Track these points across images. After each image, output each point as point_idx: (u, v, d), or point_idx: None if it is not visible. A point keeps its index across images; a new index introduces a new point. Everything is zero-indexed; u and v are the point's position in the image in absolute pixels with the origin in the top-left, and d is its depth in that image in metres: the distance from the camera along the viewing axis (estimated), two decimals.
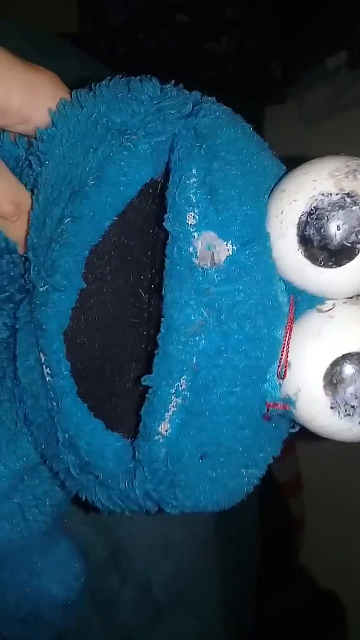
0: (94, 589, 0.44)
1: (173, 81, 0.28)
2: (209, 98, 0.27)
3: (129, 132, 0.25)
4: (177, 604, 0.51)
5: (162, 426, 0.24)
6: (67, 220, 0.25)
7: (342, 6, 1.13)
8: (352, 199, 0.22)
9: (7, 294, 0.30)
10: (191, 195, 0.23)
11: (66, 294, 0.26)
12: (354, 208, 0.22)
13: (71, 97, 0.27)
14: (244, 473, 0.25)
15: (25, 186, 0.28)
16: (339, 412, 0.22)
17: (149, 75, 0.27)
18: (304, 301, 0.25)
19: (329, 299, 0.24)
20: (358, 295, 0.24)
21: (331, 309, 0.24)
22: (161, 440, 0.24)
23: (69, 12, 1.16)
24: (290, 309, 0.25)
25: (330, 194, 0.22)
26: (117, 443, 0.26)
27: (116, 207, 0.26)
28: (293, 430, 0.26)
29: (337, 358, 0.22)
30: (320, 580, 1.20)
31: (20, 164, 0.28)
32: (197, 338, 0.23)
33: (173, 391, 0.24)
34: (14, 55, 0.26)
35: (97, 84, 0.27)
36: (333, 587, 1.18)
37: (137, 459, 0.25)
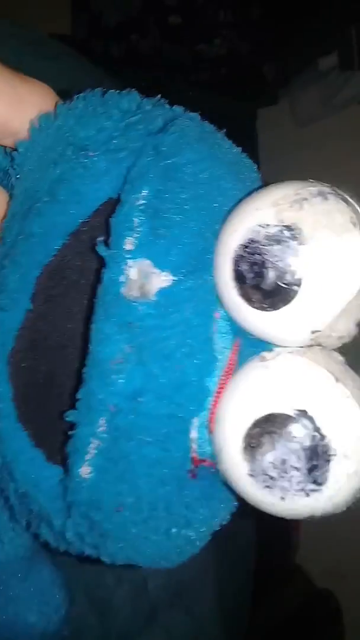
0: (90, 587, 0.43)
1: (159, 95, 0.24)
2: (191, 114, 0.23)
3: (88, 148, 0.22)
4: (173, 603, 0.49)
5: (84, 469, 0.21)
6: (20, 237, 0.23)
7: (334, 8, 1.08)
8: (291, 232, 0.17)
9: None
10: (134, 219, 0.20)
11: (11, 314, 0.23)
12: (291, 243, 0.17)
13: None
14: (174, 533, 0.21)
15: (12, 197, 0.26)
16: (257, 481, 0.18)
17: (131, 88, 0.24)
18: (250, 346, 0.21)
19: (276, 347, 0.20)
20: (310, 346, 0.20)
21: (273, 358, 0.19)
22: (83, 483, 0.21)
23: (62, 14, 1.15)
24: (232, 354, 0.21)
25: (268, 225, 0.18)
26: (56, 477, 0.23)
27: (68, 227, 0.23)
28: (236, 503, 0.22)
29: (260, 418, 0.18)
30: (316, 579, 1.14)
31: (7, 176, 0.26)
32: (116, 376, 0.20)
33: (93, 432, 0.20)
34: (3, 67, 0.24)
35: (76, 96, 0.24)
36: (329, 587, 1.12)
37: (67, 499, 0.22)
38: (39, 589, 0.33)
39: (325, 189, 0.19)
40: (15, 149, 0.25)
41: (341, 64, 1.14)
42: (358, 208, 0.19)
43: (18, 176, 0.24)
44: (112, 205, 0.23)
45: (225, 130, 0.24)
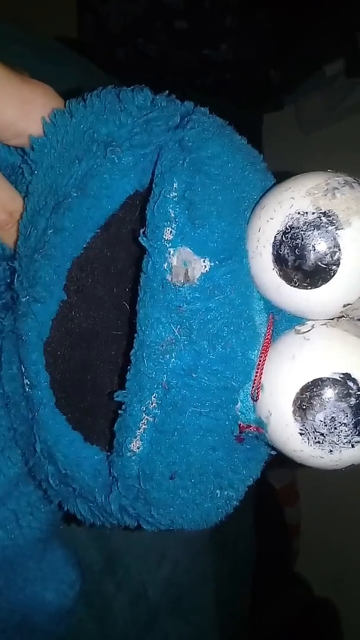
0: (90, 594, 0.44)
1: (167, 91, 0.28)
2: (201, 109, 0.26)
3: (114, 143, 0.25)
4: (173, 610, 0.50)
5: (134, 443, 0.24)
6: (50, 231, 0.25)
7: (340, 15, 1.13)
8: (329, 218, 0.21)
9: (3, 301, 0.30)
10: (170, 210, 0.23)
11: (46, 305, 0.25)
12: (330, 228, 0.21)
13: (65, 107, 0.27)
14: (219, 494, 0.25)
15: (21, 194, 0.28)
16: (308, 438, 0.22)
17: (141, 85, 0.27)
18: (283, 321, 0.24)
19: (308, 320, 0.23)
20: (339, 317, 0.24)
21: (308, 330, 0.23)
22: (133, 457, 0.24)
23: (68, 17, 1.18)
24: (268, 329, 0.24)
25: (307, 212, 0.21)
26: (95, 456, 0.26)
27: (98, 220, 0.26)
28: (273, 453, 0.26)
29: (308, 383, 0.21)
30: (315, 588, 1.19)
31: (16, 171, 0.28)
32: (167, 356, 0.23)
33: (144, 409, 0.23)
34: (7, 69, 0.26)
35: (89, 94, 0.27)
36: (328, 595, 1.16)
37: (112, 474, 0.25)
38: (54, 569, 0.36)
39: (350, 178, 0.23)
40: (20, 147, 0.27)
41: (347, 71, 1.18)
42: None
43: (36, 172, 0.26)
44: (138, 198, 0.26)
45: None
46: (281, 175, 0.26)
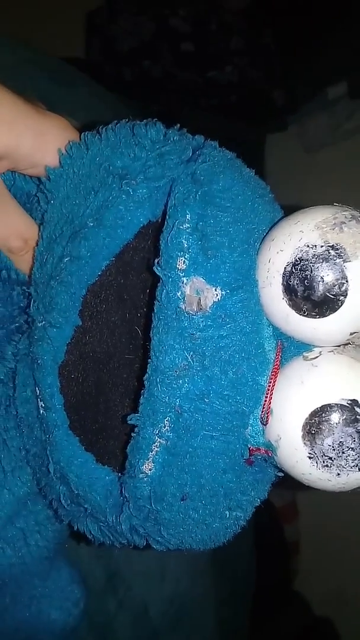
0: (91, 612, 0.45)
1: (178, 125, 0.29)
2: (211, 142, 0.27)
3: (128, 176, 0.26)
4: (174, 629, 0.51)
5: (146, 465, 0.25)
6: (67, 259, 0.26)
7: (344, 38, 1.16)
8: (337, 251, 0.22)
9: (16, 324, 0.31)
10: (183, 241, 0.24)
11: (62, 330, 0.27)
12: (338, 261, 0.22)
13: (80, 139, 0.28)
14: (228, 515, 0.26)
15: (35, 221, 0.29)
16: (317, 462, 0.23)
17: (154, 120, 0.29)
18: (291, 347, 0.25)
19: (315, 347, 0.25)
20: (346, 344, 0.25)
21: (316, 357, 0.24)
22: (145, 478, 0.25)
23: (76, 38, 1.21)
24: (276, 356, 0.25)
25: (315, 245, 0.22)
26: (107, 477, 0.27)
27: (113, 249, 0.27)
28: (280, 475, 0.27)
29: (317, 409, 0.22)
30: (315, 606, 1.19)
31: (31, 199, 0.30)
32: (180, 381, 0.24)
33: (157, 432, 0.24)
34: (24, 102, 0.27)
35: (104, 127, 0.28)
36: (328, 614, 1.16)
37: (124, 494, 0.26)
38: (59, 587, 0.37)
39: (356, 212, 0.24)
40: (34, 176, 0.29)
41: (350, 93, 1.20)
42: None
43: (52, 201, 0.28)
44: (151, 227, 0.27)
45: (234, 153, 0.28)
46: (288, 208, 0.27)
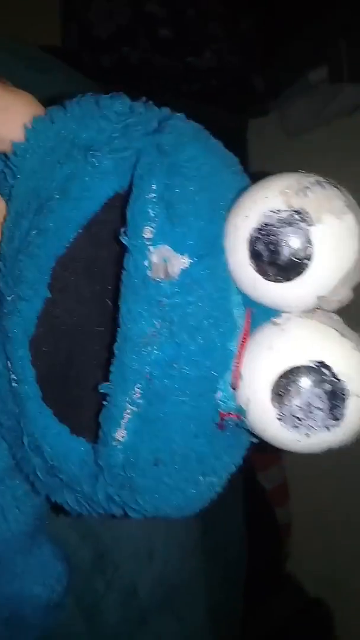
0: (80, 593, 0.45)
1: (144, 98, 0.29)
2: (178, 114, 0.27)
3: (94, 148, 0.26)
4: (164, 610, 0.51)
5: (119, 432, 0.25)
6: (34, 232, 0.26)
7: (324, 22, 1.16)
8: (301, 216, 0.22)
9: None
10: (149, 210, 0.24)
11: (31, 303, 0.27)
12: (302, 225, 0.22)
13: (45, 114, 0.28)
14: (202, 480, 0.26)
15: (2, 197, 0.29)
16: (286, 423, 0.23)
17: (119, 92, 0.29)
18: (261, 314, 0.25)
19: (284, 312, 0.25)
20: (314, 309, 0.25)
21: (285, 322, 0.24)
22: (118, 446, 0.25)
23: (52, 25, 1.21)
24: (246, 322, 0.25)
25: (280, 210, 0.22)
26: (81, 448, 0.27)
27: (80, 221, 0.27)
28: (254, 441, 0.27)
29: (285, 371, 0.23)
30: (308, 588, 1.20)
31: None
32: (149, 348, 0.24)
33: (128, 399, 0.24)
34: None
35: (69, 101, 0.28)
36: (321, 595, 1.18)
37: (98, 463, 0.26)
38: (41, 562, 0.37)
39: (321, 178, 0.24)
40: (0, 152, 0.29)
41: (330, 77, 1.20)
42: (347, 193, 0.24)
43: (18, 176, 0.28)
44: (118, 199, 0.27)
45: (216, 139, 0.28)
46: (257, 176, 0.28)
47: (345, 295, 0.24)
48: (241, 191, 0.26)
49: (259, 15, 1.22)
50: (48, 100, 0.33)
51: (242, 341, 0.25)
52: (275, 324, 0.25)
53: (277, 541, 1.22)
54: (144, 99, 0.28)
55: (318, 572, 1.21)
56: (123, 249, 0.25)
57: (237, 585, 0.65)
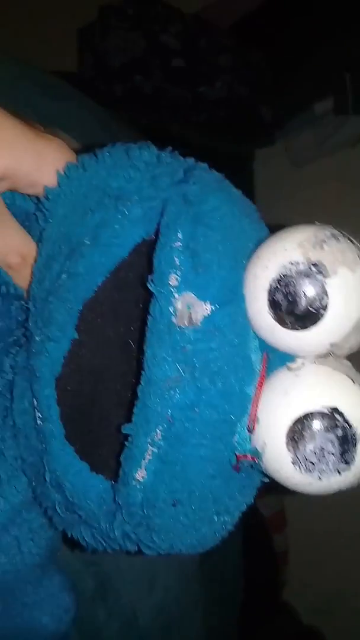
0: (81, 620, 0.46)
1: (170, 147, 0.31)
2: (202, 164, 0.29)
3: (123, 197, 0.28)
4: (163, 637, 0.52)
5: (139, 473, 0.26)
6: (64, 276, 0.28)
7: (330, 55, 1.20)
8: (317, 268, 0.24)
9: (14, 337, 0.32)
10: (175, 258, 0.26)
11: (59, 344, 0.28)
12: (318, 277, 0.24)
13: (77, 161, 0.29)
14: (216, 520, 0.27)
15: (33, 238, 0.31)
16: (300, 467, 0.24)
17: (147, 142, 0.30)
18: (276, 358, 0.27)
19: (299, 357, 0.26)
20: (326, 355, 0.26)
21: (299, 367, 0.25)
22: (138, 486, 0.26)
23: (69, 52, 1.24)
24: (262, 366, 0.26)
25: (298, 262, 0.24)
26: (101, 485, 0.28)
27: (109, 266, 0.28)
28: (265, 480, 0.28)
29: (299, 416, 0.24)
30: (303, 616, 1.20)
31: (29, 217, 0.31)
32: (172, 392, 0.25)
33: (149, 440, 0.25)
34: (23, 124, 0.29)
35: (100, 150, 0.29)
36: (316, 623, 1.18)
37: (117, 501, 0.27)
38: (50, 593, 0.37)
39: (336, 231, 0.25)
40: (33, 195, 0.30)
41: (336, 109, 1.24)
42: (358, 245, 0.25)
43: (50, 220, 0.29)
44: (145, 245, 0.29)
45: (223, 167, 0.29)
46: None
47: (356, 342, 0.25)
48: (260, 240, 0.27)
49: (268, 48, 1.25)
50: (71, 134, 0.34)
51: (259, 385, 0.26)
52: (290, 369, 0.26)
53: (273, 568, 1.22)
54: (170, 148, 0.30)
55: (313, 600, 1.21)
56: (148, 292, 0.26)
57: (233, 611, 0.65)
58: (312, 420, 0.24)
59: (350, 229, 0.26)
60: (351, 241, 0.25)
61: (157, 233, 0.28)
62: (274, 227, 0.29)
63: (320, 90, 1.24)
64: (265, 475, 0.27)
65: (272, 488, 0.28)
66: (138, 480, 0.26)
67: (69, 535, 0.31)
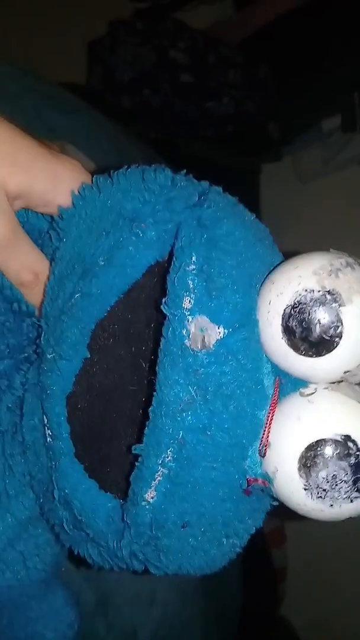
0: (81, 634, 0.46)
1: (185, 170, 0.31)
2: (216, 188, 0.29)
3: (138, 219, 0.28)
4: None
5: (149, 493, 0.26)
6: (77, 295, 0.28)
7: (338, 74, 1.21)
8: (333, 296, 0.24)
9: (25, 354, 0.32)
10: (189, 281, 0.26)
11: (71, 363, 0.28)
12: (334, 305, 0.24)
13: (92, 182, 0.29)
14: (225, 542, 0.27)
15: (46, 257, 0.31)
16: (311, 494, 0.24)
17: (162, 166, 0.30)
18: (289, 383, 0.27)
19: (311, 383, 0.26)
20: (339, 382, 0.26)
21: (312, 393, 0.25)
22: (147, 506, 0.26)
23: (78, 65, 1.25)
24: (274, 391, 0.26)
25: (313, 290, 0.24)
26: (109, 504, 0.28)
27: (122, 286, 0.28)
28: (275, 504, 0.28)
29: (312, 443, 0.24)
30: (300, 632, 1.19)
31: (42, 236, 0.31)
32: (184, 414, 0.25)
33: (160, 462, 0.25)
34: (39, 144, 0.29)
35: (115, 172, 0.29)
36: (313, 639, 1.16)
37: (125, 521, 0.27)
38: (54, 609, 0.37)
39: (350, 259, 0.26)
40: (47, 214, 0.30)
41: (343, 126, 1.24)
42: None
43: (64, 239, 0.29)
44: (158, 267, 0.29)
45: (229, 182, 0.29)
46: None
47: None
48: (273, 265, 0.28)
49: (276, 65, 1.26)
50: (79, 147, 0.34)
51: (271, 410, 0.26)
52: (303, 395, 0.26)
53: (272, 584, 1.22)
54: (184, 171, 0.30)
55: (311, 616, 1.20)
56: (161, 314, 0.26)
57: (231, 626, 0.65)
58: (324, 447, 0.24)
59: (355, 247, 0.26)
60: None
61: (170, 256, 0.28)
62: (285, 253, 0.29)
63: (328, 107, 1.26)
64: (275, 499, 0.27)
65: (277, 509, 0.28)
66: (147, 500, 0.26)
67: (76, 553, 0.31)
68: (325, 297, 0.24)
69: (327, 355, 0.24)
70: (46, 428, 0.29)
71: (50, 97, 0.57)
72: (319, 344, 0.24)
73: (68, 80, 1.07)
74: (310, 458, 0.24)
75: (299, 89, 1.25)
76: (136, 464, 0.27)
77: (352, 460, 0.24)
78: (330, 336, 0.24)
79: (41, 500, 0.31)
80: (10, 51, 1.26)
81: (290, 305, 0.25)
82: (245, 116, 1.21)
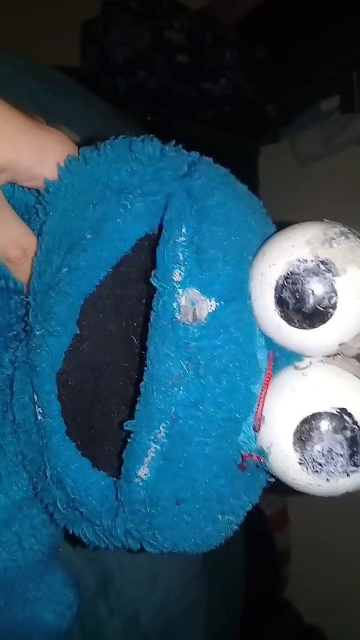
0: (83, 618, 0.46)
1: (174, 141, 0.30)
2: (206, 159, 0.28)
3: (126, 190, 0.27)
4: (165, 636, 0.51)
5: (142, 470, 0.25)
6: (65, 270, 0.27)
7: (337, 54, 1.20)
8: (326, 266, 0.23)
9: (14, 332, 0.32)
10: (179, 253, 0.25)
11: (60, 339, 0.27)
12: (327, 275, 0.23)
13: (78, 154, 0.29)
14: (220, 519, 0.26)
15: (33, 232, 0.30)
16: (307, 468, 0.23)
17: (150, 136, 0.29)
18: (283, 357, 0.26)
19: (306, 357, 0.25)
20: (334, 354, 0.26)
21: (307, 367, 0.25)
22: (140, 483, 0.25)
23: (72, 47, 1.23)
24: (268, 365, 0.26)
25: (306, 260, 0.23)
26: (102, 482, 0.28)
27: (111, 260, 0.28)
28: (271, 480, 0.28)
29: (307, 416, 0.23)
30: (304, 615, 1.20)
31: (29, 210, 0.30)
32: (176, 389, 0.24)
33: (152, 438, 0.25)
34: (25, 116, 0.28)
35: (102, 143, 0.28)
36: (317, 622, 1.17)
37: (119, 499, 0.26)
38: (53, 590, 0.37)
39: (345, 229, 0.25)
40: (33, 188, 0.29)
41: (342, 107, 1.23)
42: None
43: (50, 213, 0.28)
44: (147, 240, 0.28)
45: (228, 164, 0.28)
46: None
47: None
48: (266, 236, 0.27)
49: (274, 44, 1.25)
50: (74, 130, 0.33)
51: (265, 384, 0.25)
52: (297, 368, 0.25)
53: (275, 567, 1.22)
54: (174, 142, 0.29)
55: (315, 599, 1.21)
56: (151, 288, 0.26)
57: (235, 608, 0.65)
58: (320, 420, 0.23)
59: (355, 227, 0.26)
60: None
61: (160, 228, 0.27)
62: (278, 224, 0.28)
63: (327, 88, 1.24)
64: (271, 475, 0.26)
65: (275, 487, 0.27)
66: (141, 477, 0.26)
67: (71, 532, 0.30)
68: (319, 267, 0.23)
69: (321, 327, 0.24)
70: (37, 406, 0.28)
71: (44, 80, 0.57)
72: (312, 315, 0.23)
73: (62, 62, 1.05)
74: (305, 432, 0.24)
75: (297, 69, 1.24)
76: (128, 440, 0.26)
77: (348, 433, 0.23)
78: (324, 307, 0.23)
79: (34, 480, 0.30)
80: (3, 34, 1.24)
81: (283, 276, 0.24)
82: (243, 97, 1.19)
